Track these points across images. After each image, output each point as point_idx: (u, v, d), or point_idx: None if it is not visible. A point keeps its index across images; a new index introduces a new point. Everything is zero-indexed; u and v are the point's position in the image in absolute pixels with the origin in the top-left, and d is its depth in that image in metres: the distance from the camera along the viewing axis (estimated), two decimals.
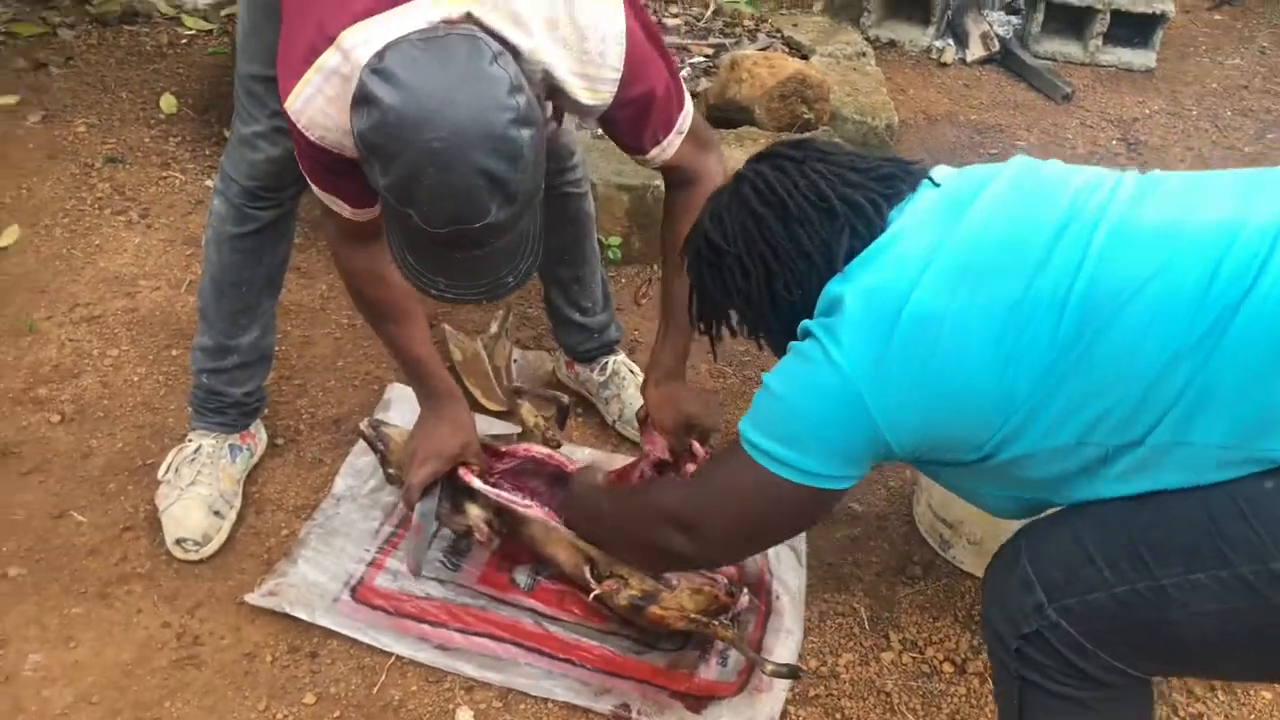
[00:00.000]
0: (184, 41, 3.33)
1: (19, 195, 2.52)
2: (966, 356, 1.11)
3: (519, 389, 2.05)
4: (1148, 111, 3.67)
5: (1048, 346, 1.08)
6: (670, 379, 1.68)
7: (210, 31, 3.37)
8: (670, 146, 1.48)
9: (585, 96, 1.33)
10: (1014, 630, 1.17)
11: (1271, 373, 1.00)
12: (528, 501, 1.66)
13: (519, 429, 1.85)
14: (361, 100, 1.11)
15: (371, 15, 1.20)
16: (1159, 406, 1.05)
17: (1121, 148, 3.42)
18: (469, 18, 1.21)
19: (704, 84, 3.08)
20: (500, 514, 1.67)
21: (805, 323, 1.22)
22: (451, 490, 1.69)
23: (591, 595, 1.60)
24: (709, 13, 3.59)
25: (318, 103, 1.24)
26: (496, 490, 1.66)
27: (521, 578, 1.74)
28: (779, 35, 3.50)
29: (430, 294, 1.26)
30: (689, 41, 3.37)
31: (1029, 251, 1.11)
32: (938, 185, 1.26)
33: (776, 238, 1.26)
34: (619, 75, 1.33)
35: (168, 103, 2.95)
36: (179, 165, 2.72)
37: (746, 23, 3.57)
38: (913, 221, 1.21)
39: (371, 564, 1.74)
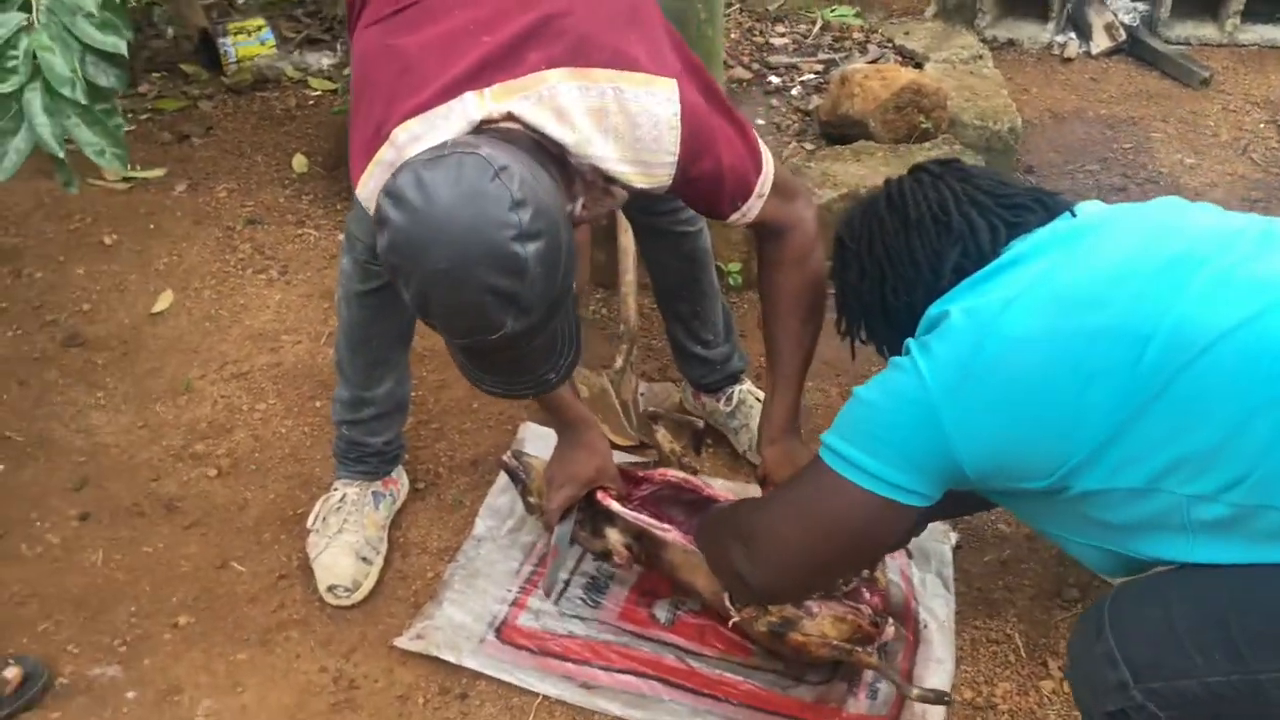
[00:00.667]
0: (311, 103, 3.49)
1: (171, 261, 2.67)
2: (1045, 377, 1.10)
3: (655, 414, 2.07)
4: None
5: (1128, 377, 1.05)
6: (785, 436, 1.64)
7: (335, 91, 3.52)
8: (751, 210, 1.45)
9: (641, 181, 1.32)
10: (1098, 705, 1.13)
11: None
12: (665, 526, 1.67)
13: (652, 461, 1.86)
14: (378, 222, 1.14)
15: (419, 113, 1.24)
16: (1239, 462, 1.00)
17: (1272, 130, 3.23)
18: (510, 116, 1.23)
19: (815, 101, 3.05)
20: (639, 539, 1.69)
21: (908, 340, 1.24)
22: (591, 515, 1.72)
23: (730, 623, 1.58)
24: (816, 29, 3.56)
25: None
26: (635, 514, 1.67)
27: (662, 613, 1.74)
28: (890, 45, 3.44)
29: (483, 390, 1.31)
30: (798, 60, 3.34)
31: (1128, 287, 1.10)
32: (1075, 218, 1.26)
33: (893, 242, 1.33)
34: (675, 159, 1.31)
35: (299, 163, 3.10)
36: (313, 222, 2.84)
37: (856, 35, 3.52)
38: (1030, 248, 1.22)
39: (514, 604, 1.76)
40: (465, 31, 1.27)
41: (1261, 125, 3.27)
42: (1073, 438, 1.09)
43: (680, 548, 1.64)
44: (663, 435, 1.85)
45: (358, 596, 1.77)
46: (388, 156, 1.27)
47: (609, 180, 1.32)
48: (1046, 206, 1.29)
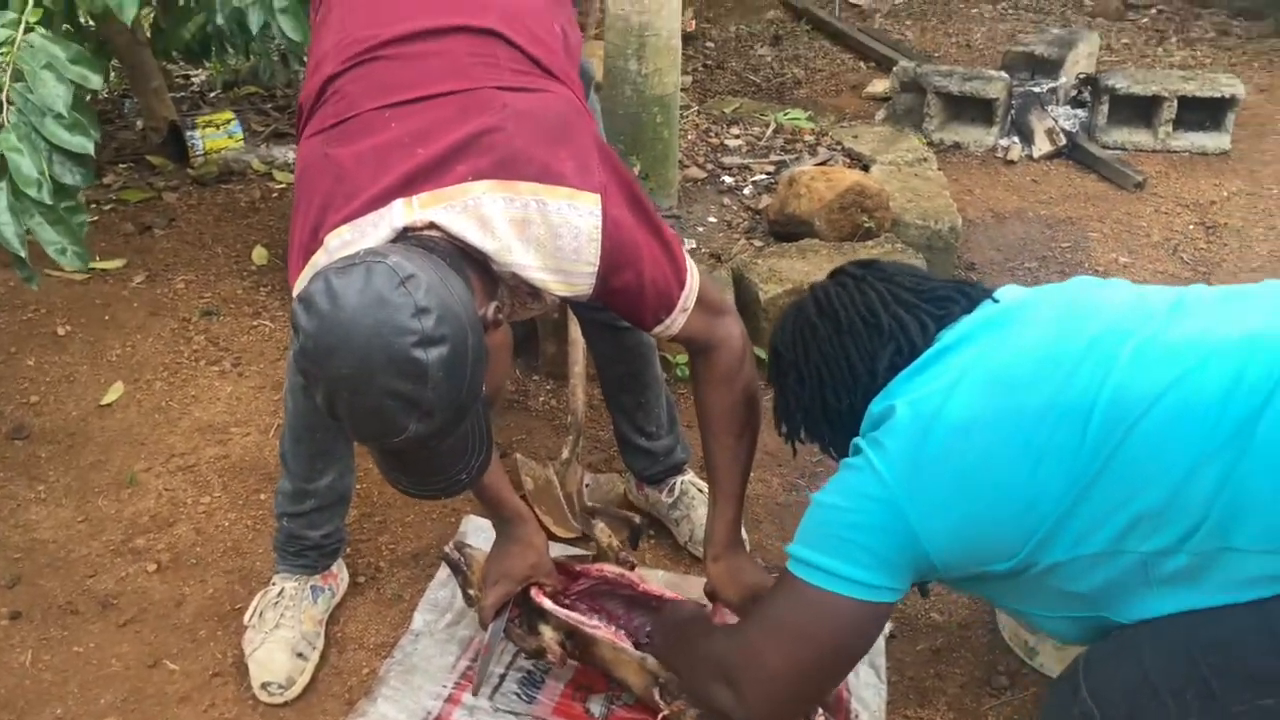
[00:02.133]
0: (275, 195, 3.55)
1: (124, 353, 2.69)
2: (997, 460, 1.13)
3: (594, 509, 2.10)
4: (1225, 194, 3.60)
5: (1075, 451, 1.10)
6: (729, 552, 1.66)
7: None
8: (675, 323, 1.50)
9: (561, 290, 1.37)
10: None
11: None
12: (595, 622, 1.69)
13: (591, 555, 1.88)
14: (294, 327, 1.18)
15: (351, 220, 1.30)
16: (1192, 512, 1.04)
17: (1200, 232, 3.35)
18: (432, 225, 1.29)
19: (765, 200, 3.15)
20: (571, 636, 1.70)
21: (855, 440, 1.27)
22: (526, 610, 1.73)
23: (660, 717, 1.59)
24: (769, 131, 3.69)
25: None
26: (566, 612, 1.69)
27: (596, 707, 1.74)
28: (839, 147, 3.57)
29: (401, 490, 1.33)
30: (750, 160, 3.46)
31: (1060, 364, 1.15)
32: (998, 303, 1.31)
33: (827, 348, 1.37)
34: (594, 269, 1.36)
35: (259, 254, 3.14)
36: (269, 313, 2.88)
37: (807, 138, 3.65)
38: (959, 337, 1.27)
39: (449, 699, 1.76)
40: (400, 144, 1.33)
41: (1190, 227, 3.39)
42: (1032, 515, 1.12)
43: (610, 645, 1.65)
44: (601, 530, 1.87)
45: (291, 694, 1.76)
46: (320, 261, 1.32)
47: (533, 285, 1.37)
48: (968, 295, 1.34)
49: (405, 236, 1.29)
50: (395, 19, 1.45)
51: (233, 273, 3.07)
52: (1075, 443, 1.10)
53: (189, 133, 3.70)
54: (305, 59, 3.52)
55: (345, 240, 1.30)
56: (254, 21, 2.30)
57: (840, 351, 1.35)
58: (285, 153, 3.82)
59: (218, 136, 3.76)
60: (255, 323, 2.84)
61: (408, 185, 1.30)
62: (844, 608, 1.22)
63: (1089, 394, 1.11)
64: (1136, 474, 1.07)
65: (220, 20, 2.41)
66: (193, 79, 4.48)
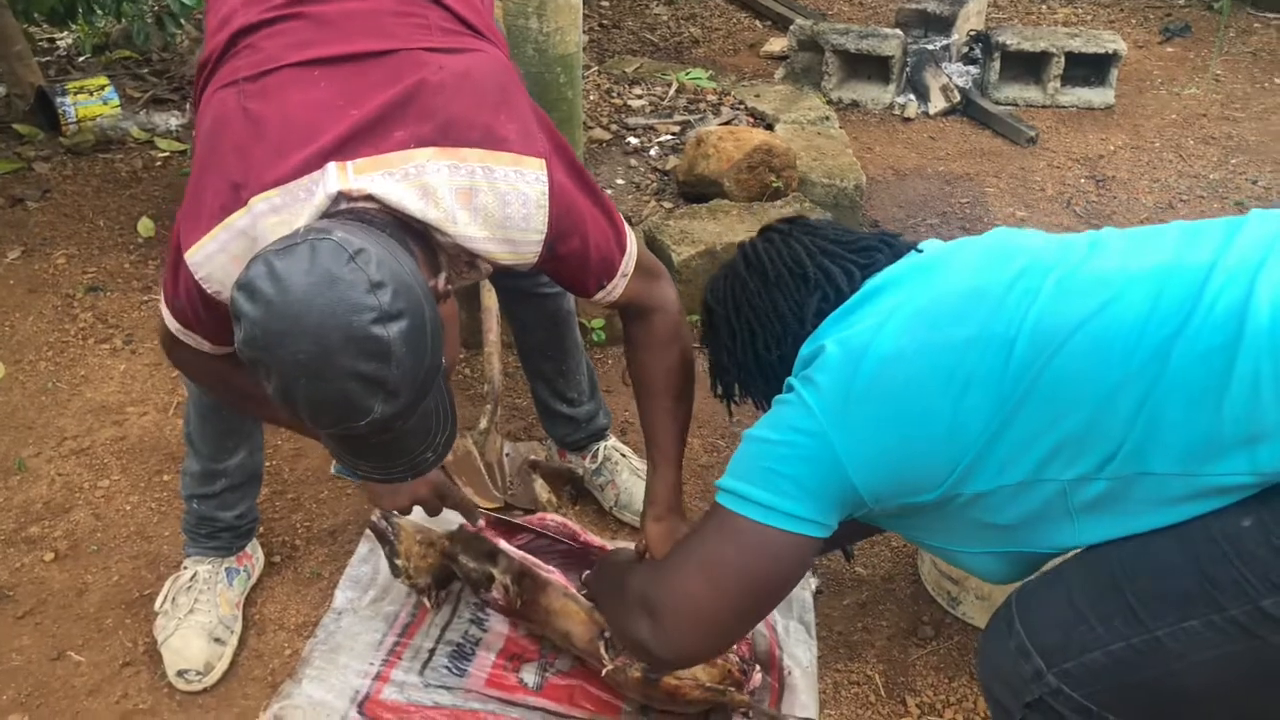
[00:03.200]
0: (158, 164, 3.38)
1: (2, 333, 2.53)
2: (922, 388, 1.16)
3: (535, 462, 2.07)
4: (1112, 148, 3.73)
5: (999, 380, 1.12)
6: (669, 513, 1.63)
7: (184, 152, 3.42)
8: (616, 289, 1.48)
9: (508, 259, 1.33)
10: (1017, 700, 1.16)
11: (1211, 398, 1.02)
12: (549, 568, 1.67)
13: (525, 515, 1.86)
14: (235, 315, 1.11)
15: (281, 184, 1.22)
16: (1109, 438, 1.07)
17: (1090, 185, 3.47)
18: (368, 197, 1.21)
19: (672, 161, 3.13)
20: (520, 580, 1.68)
21: (789, 379, 1.29)
22: (476, 551, 1.71)
23: (604, 671, 1.58)
24: (672, 91, 3.66)
25: (220, 260, 1.25)
26: (521, 552, 1.67)
27: (529, 677, 1.72)
28: (743, 107, 3.57)
29: (360, 478, 1.27)
30: (655, 121, 3.43)
31: (984, 298, 1.18)
32: (922, 253, 1.34)
33: (756, 301, 1.39)
34: (543, 235, 1.32)
35: (145, 226, 2.99)
36: (160, 288, 2.74)
37: (710, 97, 3.64)
38: (886, 281, 1.30)
39: (377, 677, 1.71)
40: (332, 104, 1.25)
41: (1082, 180, 3.51)
42: (957, 443, 1.14)
43: (561, 590, 1.64)
44: (540, 485, 1.86)
45: (210, 680, 1.69)
46: (241, 223, 1.23)
47: (473, 254, 1.31)
48: (892, 246, 1.38)
49: (339, 205, 1.21)
50: None
51: (118, 246, 2.92)
52: (999, 370, 1.12)
53: (59, 99, 3.48)
54: (182, 21, 3.37)
55: (274, 204, 1.21)
56: None
57: (769, 304, 1.37)
58: (167, 119, 3.63)
59: (91, 103, 3.55)
60: (146, 298, 2.70)
61: (341, 148, 1.22)
62: (771, 538, 1.22)
63: (1013, 324, 1.13)
64: (1057, 400, 1.09)
65: None
66: (58, 42, 4.22)
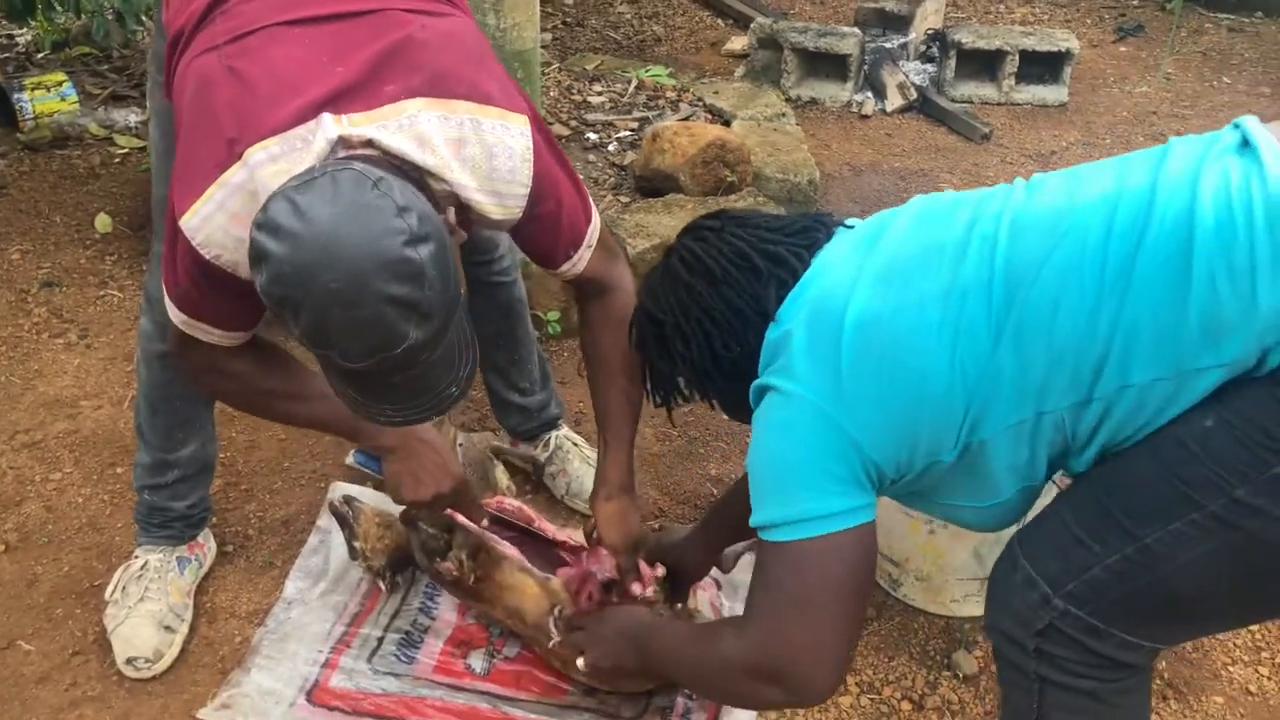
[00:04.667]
0: (117, 161, 3.37)
1: None
2: (913, 347, 1.17)
3: (498, 449, 2.09)
4: (1064, 144, 3.79)
5: (986, 323, 1.15)
6: (620, 494, 1.63)
7: (142, 149, 3.41)
8: (581, 261, 1.50)
9: (495, 212, 1.34)
10: (1027, 630, 1.20)
11: (1177, 300, 1.07)
12: (505, 542, 1.69)
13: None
14: (256, 259, 1.10)
15: (278, 133, 1.20)
16: (1094, 358, 1.11)
17: None
18: (369, 143, 1.21)
19: (630, 156, 3.16)
20: (475, 555, 1.69)
21: (756, 383, 1.27)
22: (435, 520, 1.70)
23: (552, 643, 1.62)
24: (631, 88, 3.69)
25: (218, 220, 1.23)
26: (477, 526, 1.68)
27: (476, 662, 1.75)
28: (701, 104, 3.61)
29: (381, 422, 1.25)
30: (614, 117, 3.46)
31: (945, 251, 1.20)
32: (853, 228, 1.36)
33: (708, 302, 1.34)
34: (528, 190, 1.34)
35: (102, 222, 2.98)
36: (116, 283, 2.74)
37: (669, 94, 3.67)
38: (832, 256, 1.30)
39: (326, 665, 1.73)
40: (316, 63, 1.25)
41: (1035, 175, 3.56)
42: (959, 393, 1.16)
43: (516, 564, 1.67)
44: (500, 472, 1.88)
45: (159, 667, 1.70)
46: (237, 178, 1.21)
47: (461, 212, 1.32)
48: (825, 225, 1.37)
49: (338, 152, 1.19)
50: None
51: (74, 242, 2.91)
52: (984, 316, 1.14)
53: (16, 95, 3.46)
54: (142, 18, 3.36)
55: (272, 154, 1.19)
56: None
57: (722, 302, 1.33)
58: (126, 116, 3.62)
59: (49, 99, 3.52)
60: (102, 293, 2.70)
61: (334, 102, 1.22)
62: (835, 544, 1.20)
63: (983, 267, 1.16)
64: (1042, 334, 1.12)
65: None
66: (17, 39, 4.19)
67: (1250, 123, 1.15)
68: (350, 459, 1.64)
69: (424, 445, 1.55)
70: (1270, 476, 1.04)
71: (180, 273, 1.33)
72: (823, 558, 1.21)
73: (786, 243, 1.35)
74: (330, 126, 1.20)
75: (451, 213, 1.27)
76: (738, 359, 1.33)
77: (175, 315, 1.38)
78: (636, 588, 1.62)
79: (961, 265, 1.17)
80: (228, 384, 1.50)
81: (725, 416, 1.47)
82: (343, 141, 1.20)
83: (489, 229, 1.40)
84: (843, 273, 1.25)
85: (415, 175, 1.25)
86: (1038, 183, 1.25)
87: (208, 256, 1.27)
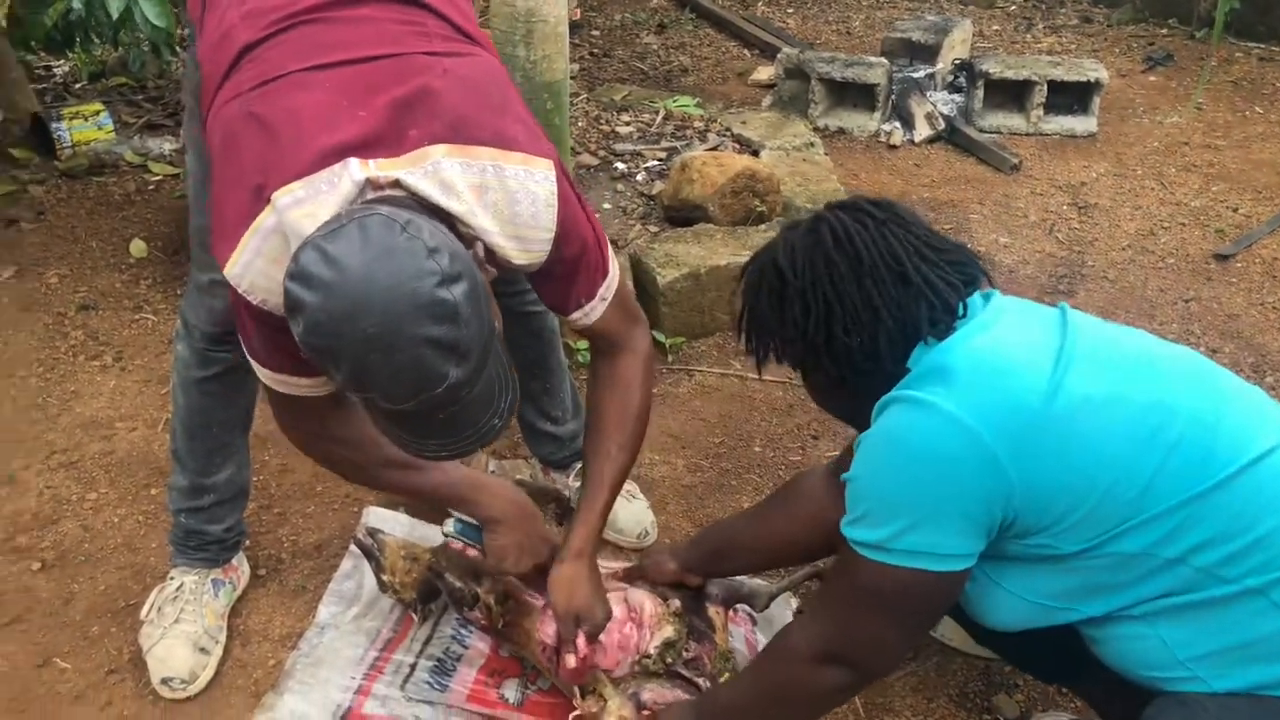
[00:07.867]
0: (151, 187, 3.42)
1: None
2: (1128, 439, 1.17)
3: (521, 482, 2.09)
4: (1094, 175, 3.78)
5: (1205, 456, 1.16)
6: (577, 559, 1.58)
7: (176, 175, 3.46)
8: (594, 312, 1.49)
9: (519, 257, 1.34)
10: None
11: None
12: (535, 594, 1.69)
13: None
14: (291, 309, 1.10)
15: (301, 176, 1.21)
16: (1269, 549, 1.14)
17: (1073, 211, 3.51)
18: (397, 184, 1.21)
19: (658, 186, 3.18)
20: (505, 601, 1.70)
21: (905, 393, 1.23)
22: (462, 570, 1.72)
23: (572, 716, 1.61)
24: (659, 118, 3.72)
25: (258, 265, 1.24)
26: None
27: (510, 693, 1.74)
28: (729, 134, 3.62)
29: (428, 457, 1.25)
30: (642, 147, 3.48)
31: (1150, 367, 1.24)
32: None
33: (845, 284, 1.29)
34: (552, 234, 1.34)
35: (137, 248, 3.02)
36: (151, 307, 2.77)
37: (696, 124, 3.69)
38: (1010, 314, 1.31)
39: (359, 691, 1.72)
40: (338, 105, 1.26)
41: (1064, 207, 3.56)
42: (1146, 500, 1.16)
43: (541, 613, 1.66)
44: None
45: (194, 689, 1.71)
46: (269, 223, 1.22)
47: (487, 256, 1.32)
48: (979, 266, 1.35)
49: (365, 194, 1.20)
50: None
51: (110, 266, 2.95)
52: (1205, 447, 1.16)
53: (54, 125, 3.53)
54: (177, 49, 3.41)
55: (297, 197, 1.19)
56: (114, 7, 2.20)
57: (860, 292, 1.29)
58: (160, 144, 3.68)
59: (86, 128, 3.59)
60: (137, 316, 2.73)
61: (358, 149, 1.22)
62: (941, 580, 1.23)
63: (1210, 413, 1.18)
64: (1244, 510, 1.15)
65: (78, 4, 2.29)
66: (55, 70, 4.27)
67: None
68: (448, 528, 1.65)
69: (530, 520, 1.60)
70: None
71: (248, 328, 1.34)
72: (918, 588, 1.23)
73: (946, 268, 1.30)
74: (356, 169, 1.20)
75: (480, 247, 1.28)
76: (854, 350, 1.30)
77: (262, 374, 1.39)
78: (570, 659, 1.57)
79: (1185, 398, 1.20)
80: (340, 451, 1.50)
81: (810, 394, 1.45)
82: (370, 184, 1.21)
83: (512, 271, 1.40)
84: (1036, 339, 1.25)
85: (445, 219, 1.25)
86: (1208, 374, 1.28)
87: (255, 302, 1.27)
